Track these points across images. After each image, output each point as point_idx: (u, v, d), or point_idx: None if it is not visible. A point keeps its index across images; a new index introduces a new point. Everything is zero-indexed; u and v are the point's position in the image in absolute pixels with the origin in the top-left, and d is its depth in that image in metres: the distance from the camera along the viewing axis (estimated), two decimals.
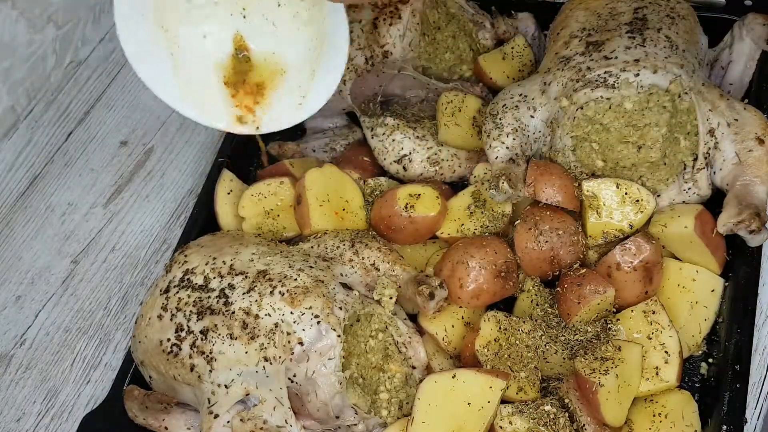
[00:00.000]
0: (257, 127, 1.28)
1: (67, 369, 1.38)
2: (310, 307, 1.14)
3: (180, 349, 1.17)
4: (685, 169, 1.29)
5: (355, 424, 1.17)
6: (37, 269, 1.49)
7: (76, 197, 1.57)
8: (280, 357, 1.13)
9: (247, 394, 1.12)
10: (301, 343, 1.13)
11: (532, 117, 1.34)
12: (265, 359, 1.13)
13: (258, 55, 1.29)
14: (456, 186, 1.41)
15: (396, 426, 1.17)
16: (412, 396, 1.18)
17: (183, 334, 1.17)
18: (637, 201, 1.26)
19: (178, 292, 1.20)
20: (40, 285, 1.47)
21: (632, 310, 1.21)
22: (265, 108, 1.28)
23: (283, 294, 1.15)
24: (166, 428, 1.20)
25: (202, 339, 1.16)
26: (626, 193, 1.26)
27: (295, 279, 1.17)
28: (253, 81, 1.28)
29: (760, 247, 1.26)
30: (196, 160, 1.60)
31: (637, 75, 1.27)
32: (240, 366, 1.14)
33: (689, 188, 1.29)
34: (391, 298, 1.21)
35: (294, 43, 1.28)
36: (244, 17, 1.28)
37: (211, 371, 1.14)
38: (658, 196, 1.29)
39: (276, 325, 1.14)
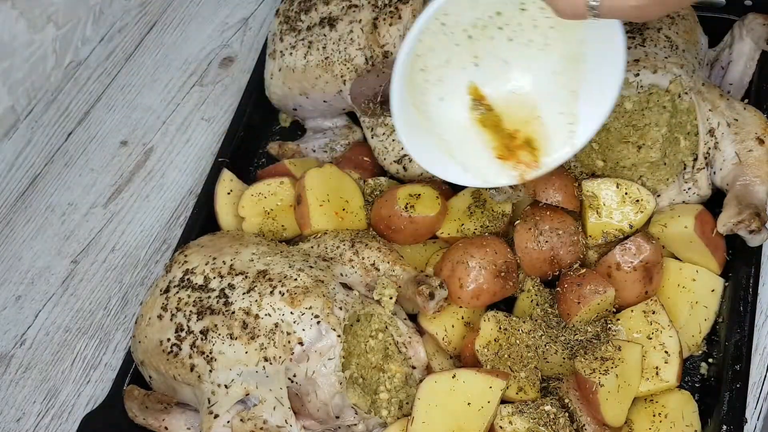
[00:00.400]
0: (541, 168, 1.17)
1: (67, 369, 1.38)
2: (310, 307, 1.14)
3: (180, 349, 1.17)
4: (685, 169, 1.29)
5: (355, 424, 1.17)
6: (37, 269, 1.49)
7: (76, 197, 1.57)
8: (280, 357, 1.13)
9: (247, 394, 1.12)
10: (301, 343, 1.13)
11: None
12: (265, 359, 1.13)
13: (497, 100, 1.19)
14: (456, 186, 1.41)
15: (396, 426, 1.17)
16: (412, 396, 1.18)
17: (183, 334, 1.17)
18: (637, 201, 1.26)
19: (178, 292, 1.20)
20: (40, 285, 1.47)
21: (632, 310, 1.22)
22: (536, 147, 1.18)
23: (283, 294, 1.15)
24: (166, 428, 1.20)
25: (202, 339, 1.16)
26: (626, 193, 1.26)
27: (295, 279, 1.17)
28: (509, 127, 1.19)
29: (760, 247, 1.26)
30: (196, 160, 1.60)
31: (637, 75, 1.27)
32: (240, 366, 1.14)
33: (689, 188, 1.29)
34: (391, 298, 1.21)
35: (531, 71, 1.19)
36: (476, 65, 1.18)
37: (211, 371, 1.14)
38: (658, 196, 1.29)
39: (276, 325, 1.14)
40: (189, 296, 1.19)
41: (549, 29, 1.15)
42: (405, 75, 1.09)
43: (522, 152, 1.17)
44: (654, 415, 1.15)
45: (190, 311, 1.18)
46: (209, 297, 1.18)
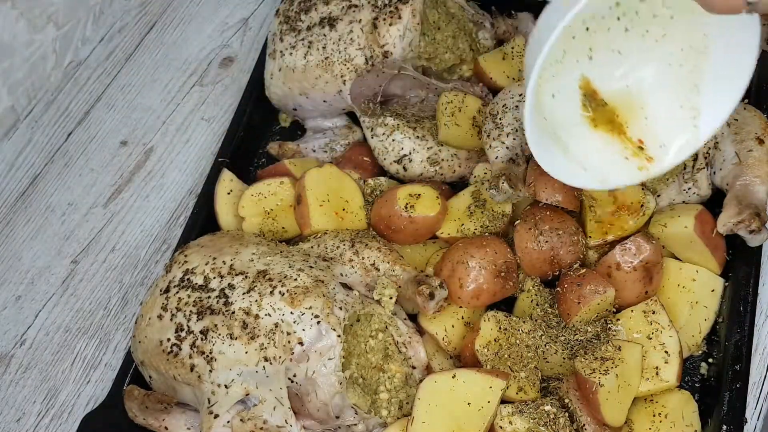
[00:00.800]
0: (661, 166, 1.14)
1: (67, 369, 1.38)
2: (310, 307, 1.14)
3: (180, 349, 1.17)
4: (684, 169, 1.29)
5: (355, 424, 1.17)
6: (37, 269, 1.49)
7: (76, 197, 1.57)
8: (280, 357, 1.13)
9: (247, 394, 1.12)
10: (301, 343, 1.13)
11: None
12: (265, 359, 1.13)
13: (610, 94, 1.15)
14: (456, 186, 1.41)
15: (396, 426, 1.17)
16: (412, 396, 1.18)
17: (183, 334, 1.17)
18: (638, 201, 1.26)
19: (178, 292, 1.20)
20: (40, 285, 1.47)
21: (632, 310, 1.22)
22: (656, 142, 1.14)
23: (283, 294, 1.15)
24: (166, 428, 1.20)
25: (202, 339, 1.16)
26: (626, 193, 1.26)
27: (295, 279, 1.17)
28: (623, 122, 1.15)
29: (760, 247, 1.26)
30: (196, 160, 1.60)
31: None
32: (240, 366, 1.14)
33: (689, 188, 1.29)
34: (391, 298, 1.21)
35: (647, 63, 1.14)
36: (590, 58, 1.13)
37: (211, 371, 1.14)
38: (658, 195, 1.29)
39: (276, 325, 1.14)
40: (189, 296, 1.19)
41: (669, 19, 1.10)
42: (537, 84, 1.03)
43: (628, 141, 1.13)
44: (654, 415, 1.15)
45: (190, 311, 1.18)
46: (209, 297, 1.18)
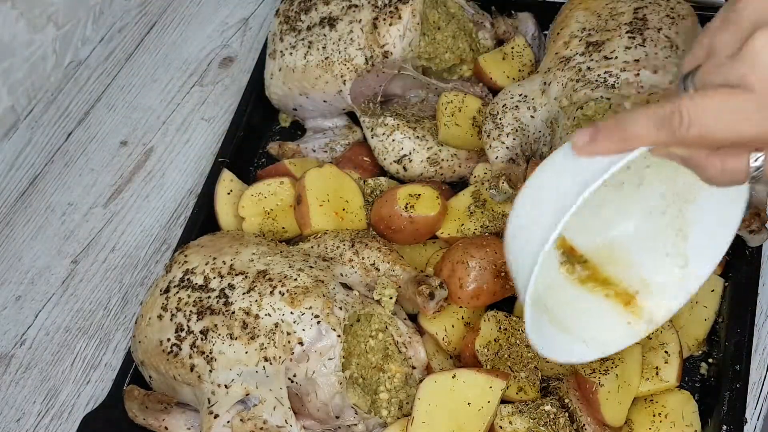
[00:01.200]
0: (654, 322, 1.05)
1: (67, 369, 1.38)
2: (310, 307, 1.14)
3: (180, 349, 1.17)
4: None
5: (355, 424, 1.17)
6: (37, 269, 1.49)
7: (76, 197, 1.57)
8: (280, 357, 1.13)
9: (247, 394, 1.12)
10: (301, 343, 1.13)
11: (532, 117, 1.33)
12: (265, 359, 1.13)
13: (589, 249, 1.05)
14: (456, 186, 1.41)
15: (396, 426, 1.17)
16: (412, 396, 1.18)
17: (183, 334, 1.17)
18: None
19: (178, 292, 1.20)
20: (40, 285, 1.47)
21: None
22: (647, 294, 1.05)
23: (283, 294, 1.15)
24: (166, 428, 1.20)
25: (202, 339, 1.16)
26: None
27: (295, 279, 1.17)
28: (606, 277, 1.06)
29: (760, 247, 1.26)
30: (196, 160, 1.60)
31: (637, 75, 1.27)
32: (240, 366, 1.14)
33: None
34: (391, 298, 1.21)
35: (627, 213, 1.05)
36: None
37: (211, 371, 1.14)
38: None
39: (276, 325, 1.14)
40: (189, 296, 1.19)
41: (644, 169, 1.01)
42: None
43: (618, 296, 1.05)
44: (654, 415, 1.15)
45: (190, 311, 1.18)
46: (209, 297, 1.18)
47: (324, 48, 1.44)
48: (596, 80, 1.28)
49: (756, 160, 0.80)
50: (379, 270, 1.25)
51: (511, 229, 0.92)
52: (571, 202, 0.84)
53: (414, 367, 1.22)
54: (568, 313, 1.04)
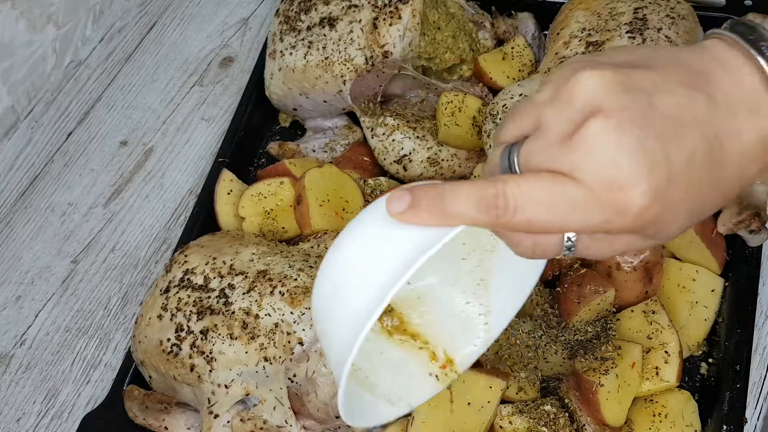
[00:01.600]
0: (457, 372, 1.00)
1: (67, 369, 1.38)
2: (310, 307, 1.14)
3: (180, 349, 1.17)
4: None
5: None
6: (37, 269, 1.49)
7: (76, 197, 1.57)
8: (280, 357, 1.13)
9: (247, 394, 1.12)
10: (301, 343, 1.13)
11: None
12: (265, 359, 1.13)
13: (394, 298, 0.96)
14: None
15: (396, 426, 1.17)
16: None
17: (183, 334, 1.17)
18: None
19: (178, 292, 1.20)
20: (40, 285, 1.47)
21: (632, 310, 1.21)
22: (451, 344, 1.00)
23: (283, 294, 1.15)
24: (166, 428, 1.20)
25: (202, 339, 1.16)
26: None
27: (295, 279, 1.17)
28: (411, 331, 1.01)
29: (760, 247, 1.26)
30: (196, 160, 1.60)
31: None
32: (240, 366, 1.14)
33: None
34: None
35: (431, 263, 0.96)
36: None
37: (211, 371, 1.14)
38: None
39: (276, 325, 1.14)
40: (189, 296, 1.19)
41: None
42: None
43: (422, 352, 0.99)
44: (654, 415, 1.15)
45: (190, 311, 1.18)
46: (209, 297, 1.18)
47: (324, 48, 1.44)
48: None
49: (568, 240, 0.76)
50: None
51: (322, 298, 0.85)
52: (396, 275, 0.77)
53: None
54: (374, 371, 0.97)
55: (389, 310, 1.02)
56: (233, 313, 1.15)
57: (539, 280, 1.23)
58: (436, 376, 0.99)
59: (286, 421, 1.11)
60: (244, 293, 1.17)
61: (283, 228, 1.36)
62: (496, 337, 0.99)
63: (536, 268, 0.93)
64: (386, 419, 0.97)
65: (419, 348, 1.00)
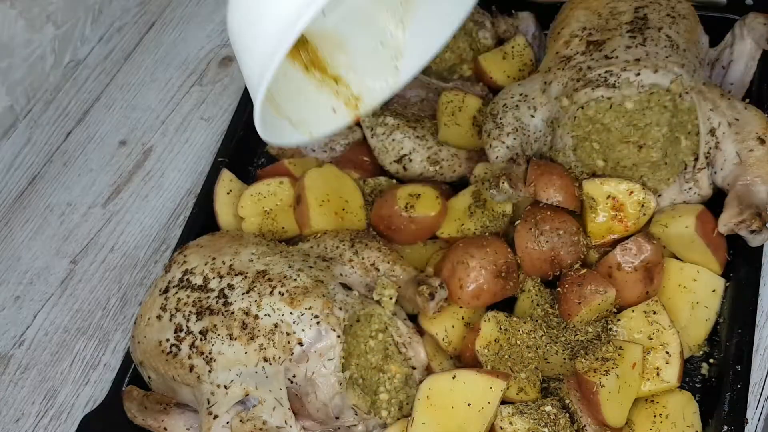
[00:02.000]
0: (358, 108, 1.01)
1: (66, 369, 1.37)
2: (310, 308, 1.14)
3: (179, 350, 1.16)
4: (686, 168, 1.29)
5: (355, 425, 1.16)
6: (36, 269, 1.49)
7: (75, 197, 1.57)
8: (279, 357, 1.12)
9: (247, 395, 1.12)
10: (300, 344, 1.12)
11: (533, 116, 1.33)
12: (265, 360, 1.13)
13: (308, 30, 0.96)
14: (456, 186, 1.41)
15: (396, 427, 1.17)
16: (412, 396, 1.18)
17: (182, 334, 1.17)
18: (638, 201, 1.26)
19: (177, 293, 1.20)
20: (39, 285, 1.47)
21: (633, 311, 1.21)
22: (356, 83, 1.01)
23: (283, 294, 1.15)
24: (165, 429, 1.20)
25: (201, 339, 1.15)
26: (627, 193, 1.26)
27: (295, 279, 1.17)
28: (320, 59, 1.00)
29: (761, 247, 1.26)
30: (196, 160, 1.59)
31: (638, 74, 1.27)
32: (239, 366, 1.13)
33: (690, 188, 1.29)
34: (391, 298, 1.21)
35: None
36: None
37: (210, 372, 1.14)
38: (659, 195, 1.28)
39: (275, 325, 1.13)
40: (188, 296, 1.19)
41: None
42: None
43: (329, 80, 1.00)
44: (655, 416, 1.15)
45: (190, 311, 1.18)
46: (208, 297, 1.18)
47: None
48: (597, 79, 1.28)
49: None
50: (378, 270, 1.24)
51: (237, 21, 0.84)
52: None
53: (414, 368, 1.21)
54: (286, 97, 0.99)
55: (303, 42, 1.00)
56: (232, 313, 1.15)
57: (539, 279, 1.25)
58: (339, 111, 1.01)
59: (285, 421, 1.11)
60: (243, 293, 1.16)
61: (282, 228, 1.36)
62: (405, 81, 0.99)
63: (457, 15, 0.91)
64: (291, 141, 1.04)
65: (328, 85, 1.00)
